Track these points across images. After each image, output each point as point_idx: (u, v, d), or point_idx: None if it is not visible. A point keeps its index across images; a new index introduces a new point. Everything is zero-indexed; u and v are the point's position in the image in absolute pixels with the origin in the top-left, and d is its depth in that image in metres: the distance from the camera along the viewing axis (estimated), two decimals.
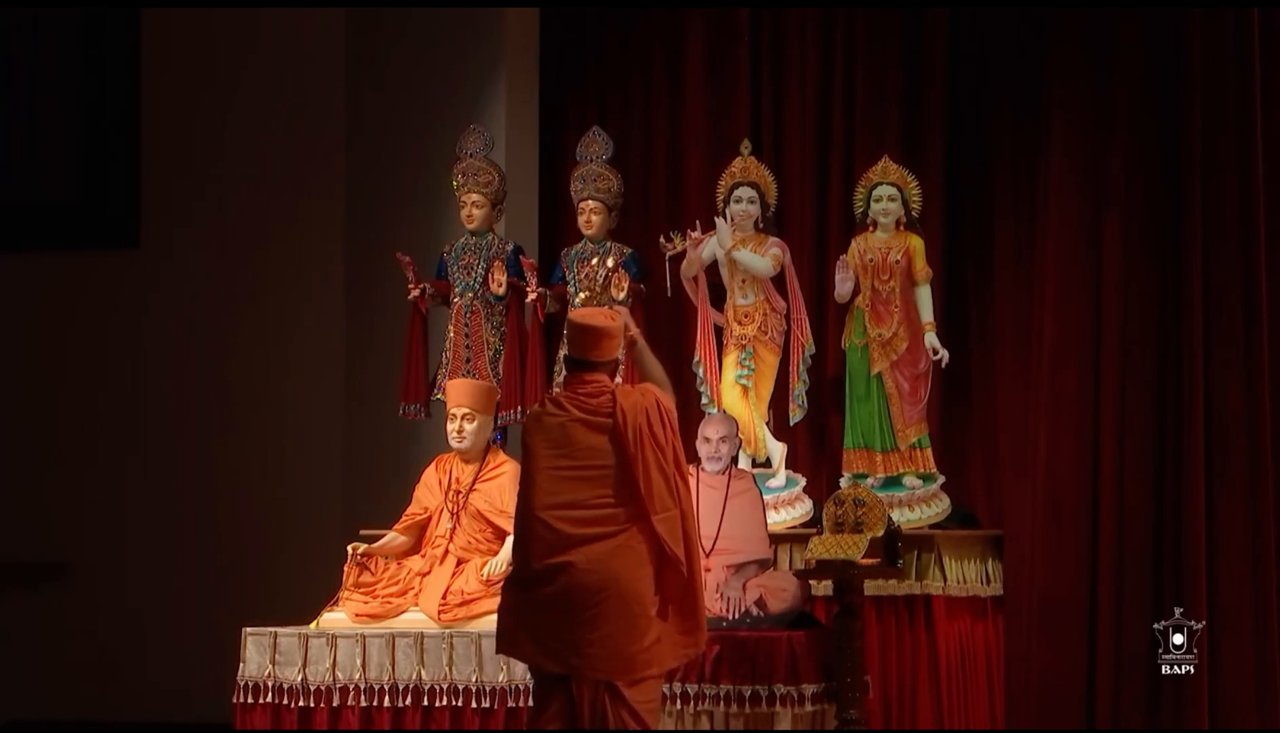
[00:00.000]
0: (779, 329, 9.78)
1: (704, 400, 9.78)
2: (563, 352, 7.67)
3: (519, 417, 9.50)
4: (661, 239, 9.79)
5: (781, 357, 9.78)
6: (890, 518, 8.80)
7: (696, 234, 9.77)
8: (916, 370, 9.70)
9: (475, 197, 9.84)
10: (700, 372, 9.82)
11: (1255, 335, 9.18)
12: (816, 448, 10.09)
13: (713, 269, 9.89)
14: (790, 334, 9.76)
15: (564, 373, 8.10)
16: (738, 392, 9.75)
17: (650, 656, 7.36)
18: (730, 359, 9.79)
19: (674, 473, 7.49)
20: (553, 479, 7.44)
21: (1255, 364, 9.17)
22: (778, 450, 9.80)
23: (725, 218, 9.78)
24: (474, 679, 8.75)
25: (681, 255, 9.80)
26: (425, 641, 8.82)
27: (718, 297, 9.90)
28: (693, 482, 8.92)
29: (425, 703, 8.78)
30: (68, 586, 11.37)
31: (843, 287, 9.73)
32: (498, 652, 7.58)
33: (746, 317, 9.79)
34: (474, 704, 8.75)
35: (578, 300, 9.26)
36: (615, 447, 7.43)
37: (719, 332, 9.87)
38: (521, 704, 8.61)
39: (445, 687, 8.78)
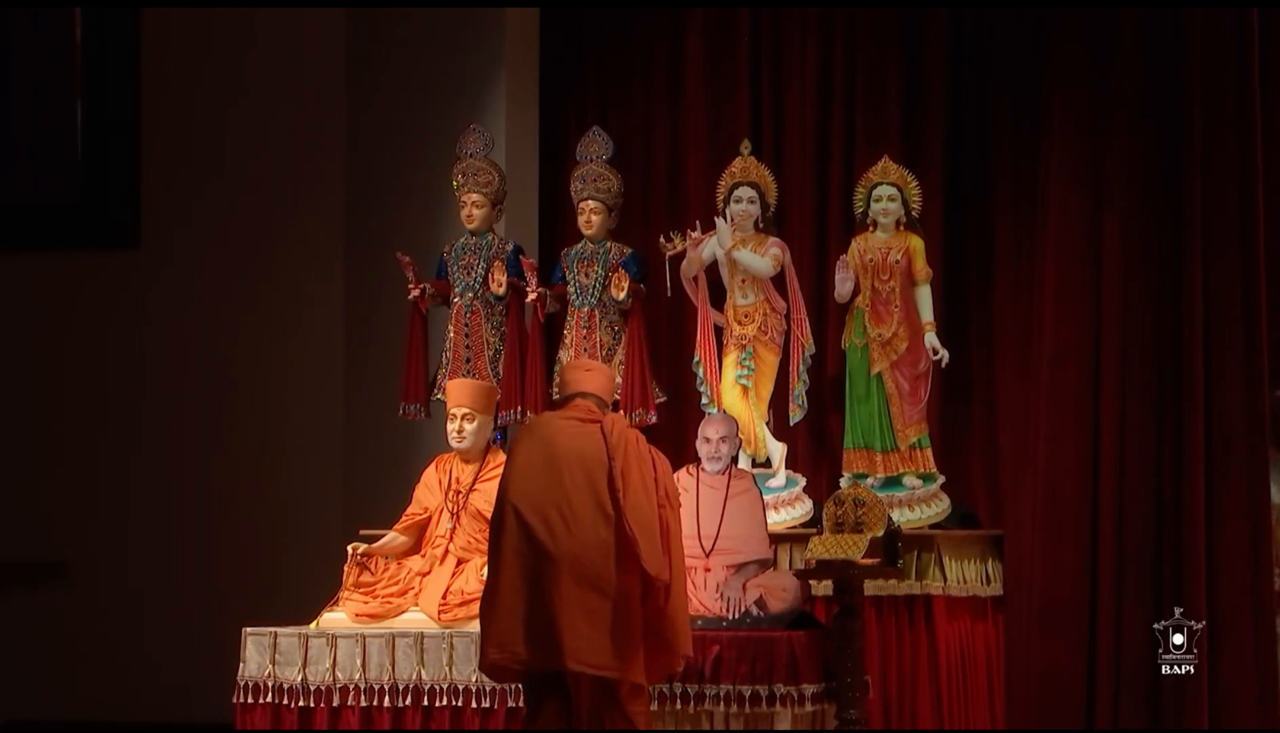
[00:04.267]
0: (779, 329, 9.78)
1: (704, 400, 9.78)
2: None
3: (519, 417, 9.51)
4: (661, 239, 9.79)
5: (781, 357, 9.78)
6: (890, 518, 8.79)
7: (696, 234, 9.77)
8: (916, 370, 9.69)
9: (475, 197, 9.83)
10: (700, 372, 9.82)
11: (1255, 335, 9.18)
12: (816, 448, 10.08)
13: (713, 269, 9.89)
14: (790, 334, 9.76)
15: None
16: (738, 392, 9.75)
17: (633, 652, 7.42)
18: (730, 359, 9.78)
19: (656, 494, 7.60)
20: (534, 470, 7.56)
21: (1255, 364, 9.18)
22: (778, 450, 9.79)
23: (725, 218, 9.78)
24: (474, 679, 8.73)
25: (681, 255, 9.80)
26: (425, 641, 8.81)
27: (718, 297, 9.90)
28: (693, 482, 9.01)
29: (425, 703, 8.77)
30: (68, 586, 11.37)
31: (843, 287, 9.72)
32: (483, 669, 7.69)
33: (746, 317, 9.78)
34: (474, 704, 8.75)
35: None
36: (601, 450, 7.55)
37: (719, 332, 9.86)
38: (522, 704, 8.60)
39: (445, 687, 8.77)
